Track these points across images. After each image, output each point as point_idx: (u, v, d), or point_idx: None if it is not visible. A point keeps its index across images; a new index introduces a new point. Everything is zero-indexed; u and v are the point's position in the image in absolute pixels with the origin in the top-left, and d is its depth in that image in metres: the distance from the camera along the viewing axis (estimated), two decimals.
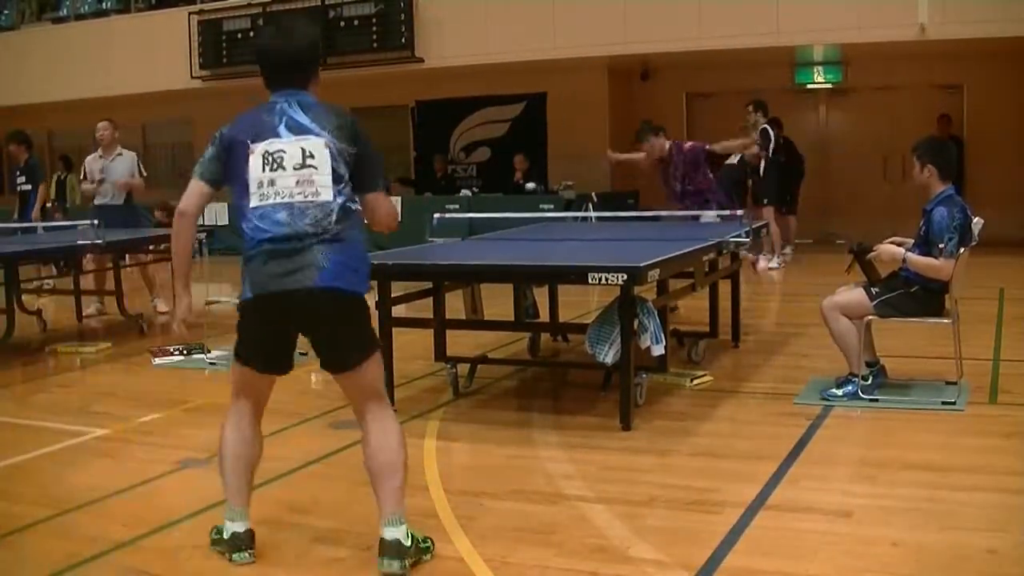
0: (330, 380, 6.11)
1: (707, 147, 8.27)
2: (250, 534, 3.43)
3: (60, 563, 3.45)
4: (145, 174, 9.61)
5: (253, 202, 3.26)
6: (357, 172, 3.34)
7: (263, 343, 3.42)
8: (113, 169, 9.29)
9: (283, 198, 3.23)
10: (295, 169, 3.24)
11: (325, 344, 3.37)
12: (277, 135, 3.28)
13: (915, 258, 5.17)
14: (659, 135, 8.28)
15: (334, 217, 3.24)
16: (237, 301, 3.44)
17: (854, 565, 3.30)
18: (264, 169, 3.25)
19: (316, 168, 3.24)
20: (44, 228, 9.93)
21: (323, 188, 3.25)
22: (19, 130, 10.90)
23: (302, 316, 3.30)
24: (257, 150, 3.26)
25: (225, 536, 3.44)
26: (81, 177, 9.63)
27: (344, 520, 3.83)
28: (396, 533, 3.25)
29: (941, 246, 5.07)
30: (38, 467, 4.72)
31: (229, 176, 3.35)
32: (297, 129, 3.29)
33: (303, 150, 3.25)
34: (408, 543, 3.27)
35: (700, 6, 12.54)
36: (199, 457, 4.70)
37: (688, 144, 8.22)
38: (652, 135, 8.26)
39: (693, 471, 4.33)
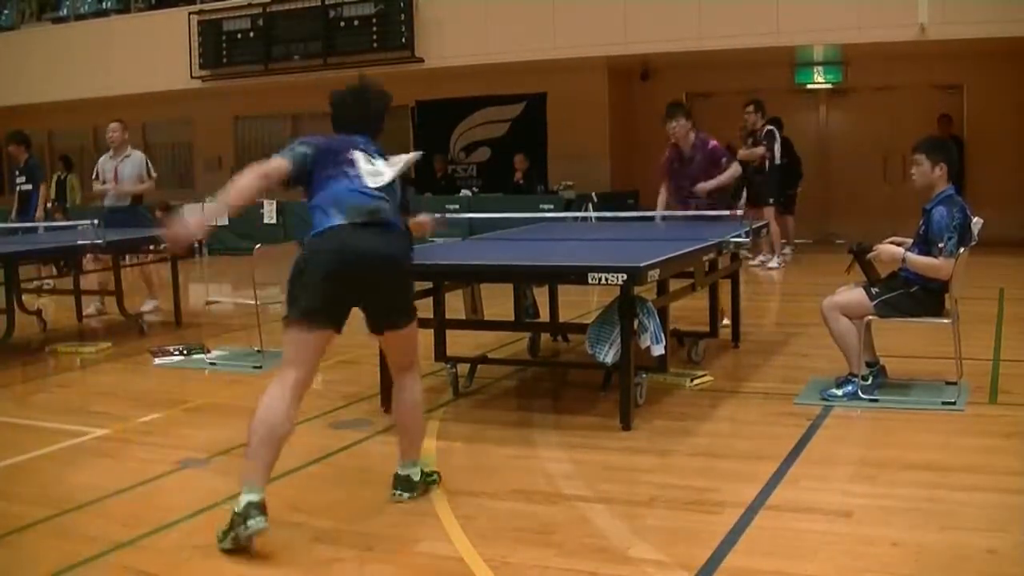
0: (330, 380, 6.10)
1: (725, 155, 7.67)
2: (263, 504, 3.48)
3: (60, 563, 3.45)
4: (155, 175, 9.66)
5: (362, 175, 3.82)
6: (404, 199, 4.07)
7: (325, 292, 3.69)
8: (122, 170, 9.32)
9: (376, 186, 3.84)
10: (381, 176, 3.90)
11: (382, 304, 3.88)
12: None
13: (915, 258, 5.17)
14: (689, 118, 7.48)
15: (397, 214, 3.92)
16: (301, 254, 3.77)
17: (854, 565, 3.30)
18: (366, 164, 3.88)
19: (393, 183, 3.92)
20: (44, 228, 9.94)
21: (398, 194, 3.94)
22: (18, 130, 10.90)
23: (371, 273, 3.75)
24: (359, 153, 3.90)
25: (238, 509, 3.46)
26: (93, 177, 9.68)
27: (344, 520, 3.83)
28: (407, 471, 4.05)
29: (941, 245, 5.07)
30: (38, 467, 4.72)
31: (313, 172, 3.82)
32: (375, 159, 3.97)
33: (382, 172, 3.91)
34: (417, 479, 4.05)
35: (700, 6, 12.55)
36: (199, 457, 4.71)
37: (714, 142, 7.46)
38: (683, 116, 7.40)
39: (693, 471, 4.33)
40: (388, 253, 3.80)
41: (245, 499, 3.47)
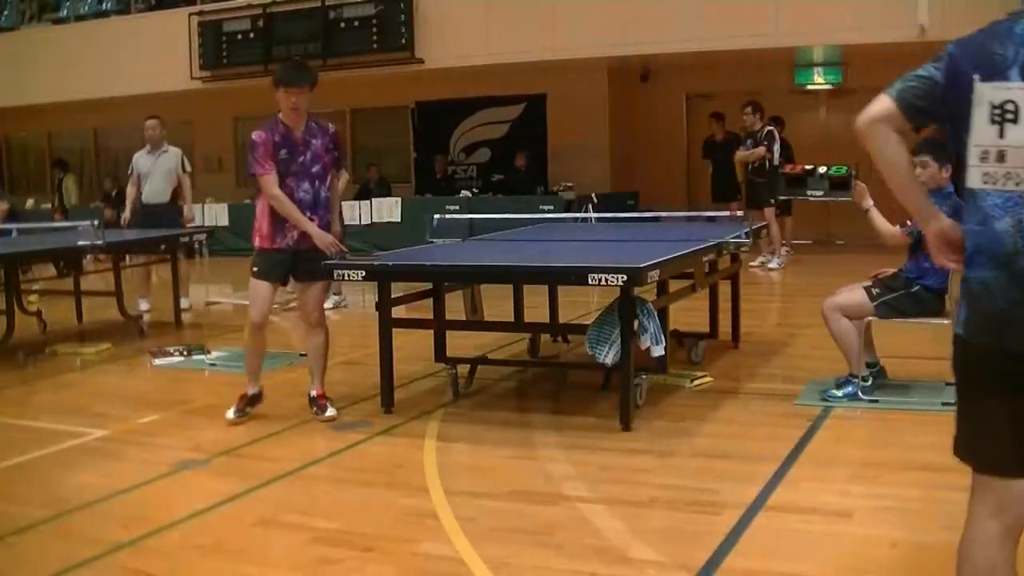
0: (330, 381, 6.10)
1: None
2: None
3: (60, 564, 3.45)
4: (190, 169, 9.68)
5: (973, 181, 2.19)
6: None
7: None
8: (158, 166, 9.37)
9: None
10: None
11: None
12: (1006, 77, 2.12)
13: (876, 215, 5.33)
14: (313, 88, 5.29)
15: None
16: None
17: (854, 565, 3.30)
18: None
19: None
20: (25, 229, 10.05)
21: None
22: None
23: None
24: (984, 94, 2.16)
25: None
26: (129, 172, 9.68)
27: (344, 520, 3.84)
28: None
29: (908, 223, 5.17)
30: (38, 467, 4.72)
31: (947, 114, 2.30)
32: None
33: None
34: None
35: (700, 7, 12.54)
36: (199, 458, 4.70)
37: (333, 127, 5.49)
38: (310, 85, 5.27)
39: (693, 472, 4.33)
40: None
41: None
